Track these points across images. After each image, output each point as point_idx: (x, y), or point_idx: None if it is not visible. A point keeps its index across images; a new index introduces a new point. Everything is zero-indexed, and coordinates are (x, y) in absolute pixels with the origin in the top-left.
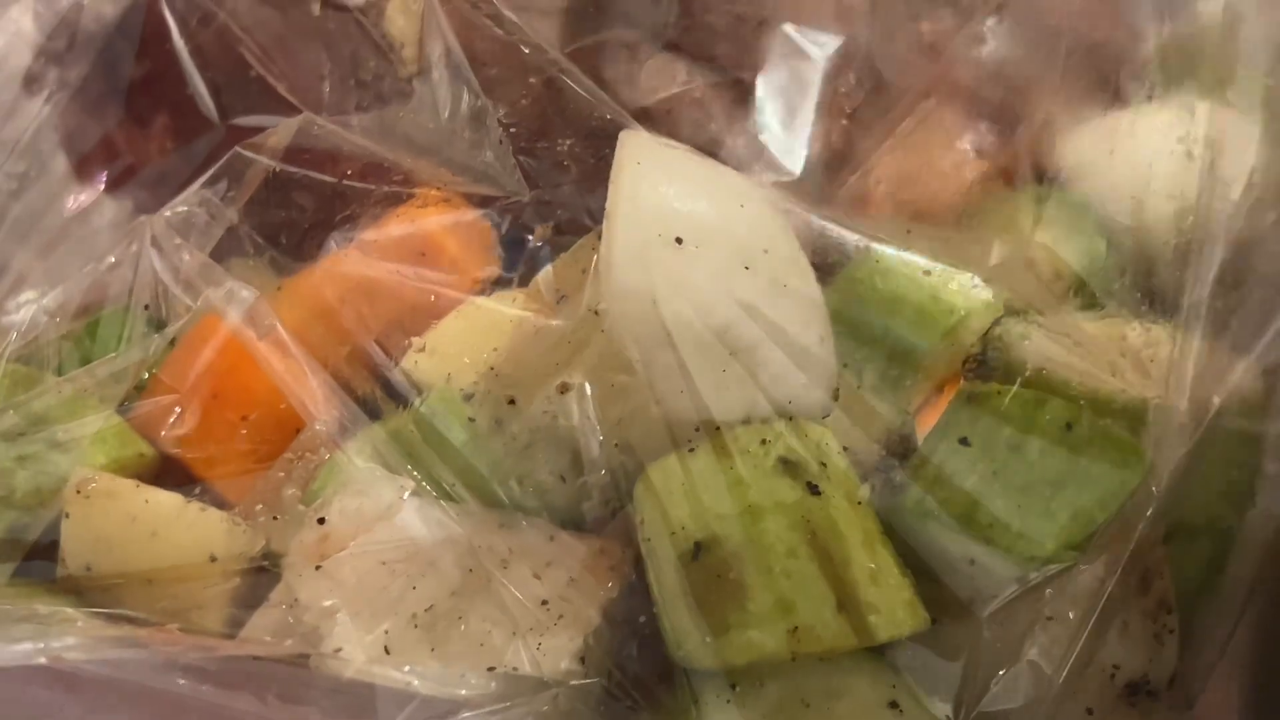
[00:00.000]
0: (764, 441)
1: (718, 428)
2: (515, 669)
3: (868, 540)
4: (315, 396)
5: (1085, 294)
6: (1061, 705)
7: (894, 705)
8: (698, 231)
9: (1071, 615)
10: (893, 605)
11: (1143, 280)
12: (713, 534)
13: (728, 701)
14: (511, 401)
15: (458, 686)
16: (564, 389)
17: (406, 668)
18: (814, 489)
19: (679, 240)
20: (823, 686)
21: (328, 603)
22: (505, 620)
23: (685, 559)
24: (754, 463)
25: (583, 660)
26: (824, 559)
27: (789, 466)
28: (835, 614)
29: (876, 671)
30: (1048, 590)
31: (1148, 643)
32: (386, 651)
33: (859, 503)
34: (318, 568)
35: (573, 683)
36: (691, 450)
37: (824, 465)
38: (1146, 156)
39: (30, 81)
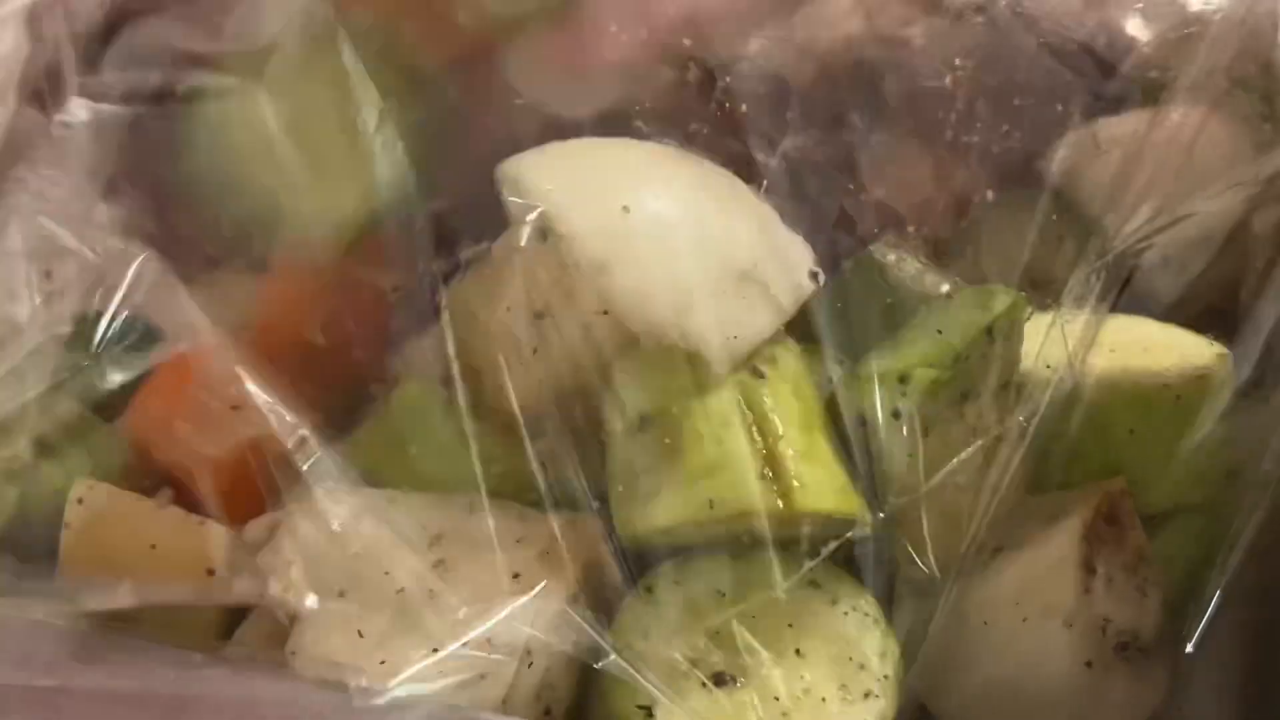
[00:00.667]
0: None
1: None
2: (489, 640)
3: (806, 425)
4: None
5: (1076, 296)
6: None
7: (814, 584)
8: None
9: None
10: (819, 482)
11: (1128, 279)
12: (658, 407)
13: (646, 604)
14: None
15: (432, 663)
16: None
17: (381, 649)
18: (758, 373)
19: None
20: (737, 578)
21: (302, 596)
22: (478, 595)
23: (631, 432)
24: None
25: (557, 629)
26: (757, 432)
27: None
28: (759, 479)
29: (794, 559)
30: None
31: (1132, 595)
32: (360, 635)
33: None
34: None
35: (548, 651)
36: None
37: (775, 358)
38: (1139, 161)
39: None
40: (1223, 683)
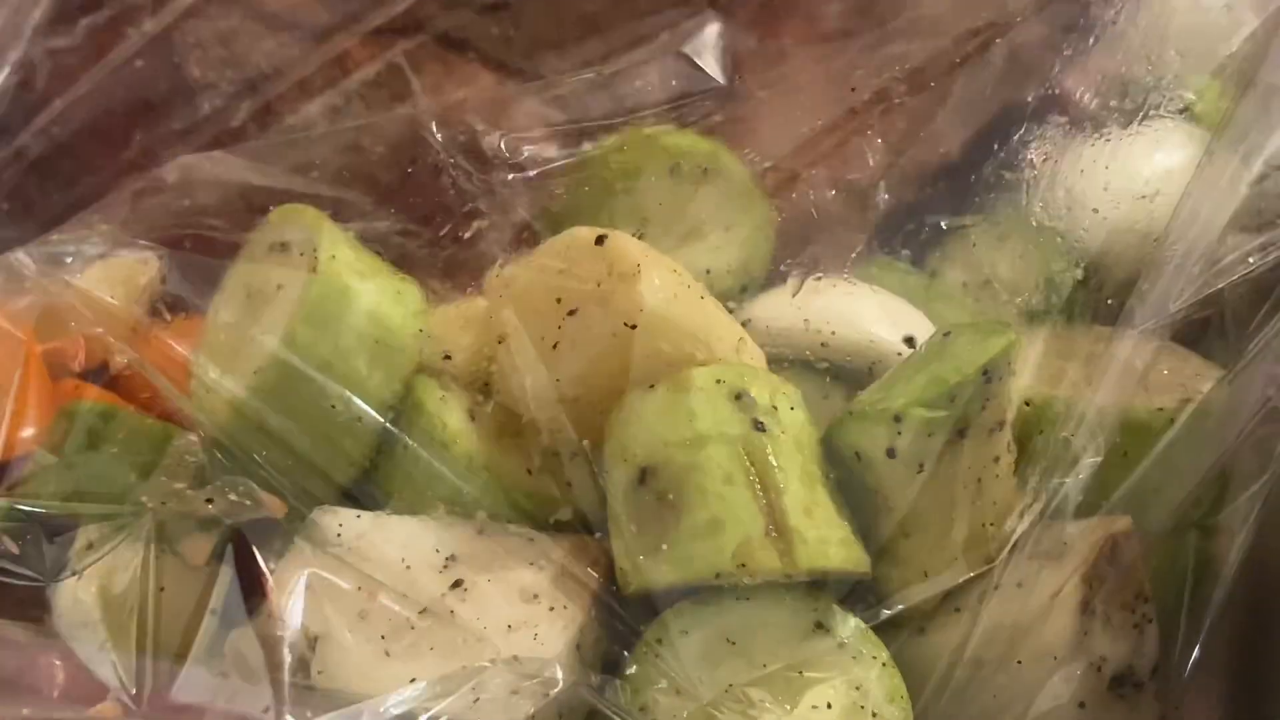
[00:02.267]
0: (719, 381)
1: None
2: (516, 659)
3: (807, 478)
4: None
5: (1043, 313)
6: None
7: (820, 626)
8: None
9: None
10: (823, 537)
11: (1105, 296)
12: (659, 460)
13: (657, 656)
14: (447, 357)
15: (457, 682)
16: (501, 339)
17: (408, 669)
18: (759, 425)
19: None
20: (743, 623)
21: (321, 617)
22: (499, 616)
23: (632, 484)
24: (706, 397)
25: (579, 647)
26: (759, 488)
27: (739, 401)
28: (763, 538)
29: (798, 599)
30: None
31: (1128, 633)
32: (387, 655)
33: (807, 442)
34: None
35: (572, 670)
36: (652, 387)
37: (775, 408)
38: (1122, 179)
39: None
40: (1211, 691)
